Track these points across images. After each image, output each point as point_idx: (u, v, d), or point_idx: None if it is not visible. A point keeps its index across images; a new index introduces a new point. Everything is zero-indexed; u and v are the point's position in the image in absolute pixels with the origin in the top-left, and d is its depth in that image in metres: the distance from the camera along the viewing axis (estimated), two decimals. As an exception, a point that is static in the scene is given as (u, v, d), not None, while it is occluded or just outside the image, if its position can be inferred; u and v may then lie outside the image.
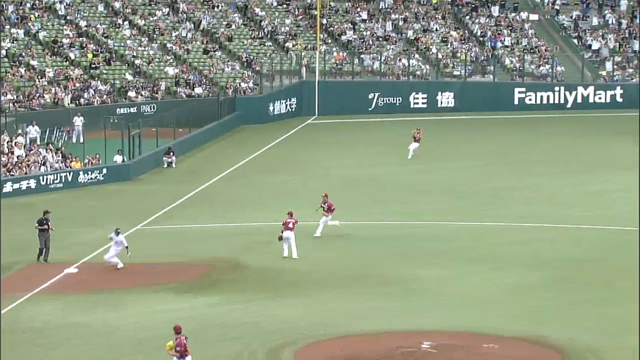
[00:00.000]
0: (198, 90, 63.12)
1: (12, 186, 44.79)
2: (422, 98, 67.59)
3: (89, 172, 47.37)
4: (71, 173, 46.90)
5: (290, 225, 32.96)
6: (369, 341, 25.41)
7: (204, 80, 64.34)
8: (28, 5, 64.55)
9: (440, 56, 70.23)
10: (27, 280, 31.00)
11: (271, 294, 29.56)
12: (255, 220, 36.26)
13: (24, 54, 60.15)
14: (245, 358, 24.09)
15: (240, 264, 32.74)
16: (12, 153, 47.30)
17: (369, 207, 41.52)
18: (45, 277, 31.09)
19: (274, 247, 33.66)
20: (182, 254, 34.27)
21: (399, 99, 67.24)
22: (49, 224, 33.07)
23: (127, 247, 32.04)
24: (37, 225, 32.86)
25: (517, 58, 71.15)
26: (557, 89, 68.52)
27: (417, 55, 70.65)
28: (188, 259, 33.67)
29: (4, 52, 59.47)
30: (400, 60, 69.90)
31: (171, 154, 51.69)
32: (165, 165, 51.36)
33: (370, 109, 66.59)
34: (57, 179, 46.33)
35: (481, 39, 73.42)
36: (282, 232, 33.01)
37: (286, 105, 65.53)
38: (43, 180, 45.82)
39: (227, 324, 26.80)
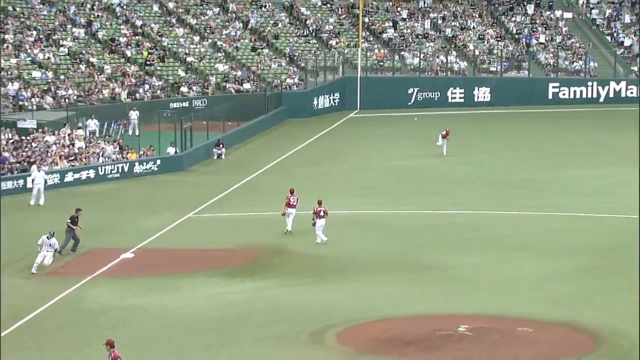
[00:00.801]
0: (246, 85, 63.26)
1: (72, 176, 45.23)
2: (460, 93, 67.19)
3: (144, 163, 47.68)
4: (127, 164, 47.25)
5: (322, 213, 32.98)
6: (408, 324, 25.33)
7: (252, 76, 64.46)
8: (88, 5, 65.05)
9: (477, 53, 69.71)
10: (87, 264, 31.29)
11: (315, 279, 29.56)
12: (300, 209, 36.20)
13: (84, 52, 60.67)
14: (290, 339, 24.11)
15: (285, 251, 32.78)
16: (73, 145, 47.77)
17: (408, 197, 41.35)
18: (103, 262, 31.34)
19: (316, 235, 33.70)
20: (231, 240, 34.38)
21: (437, 94, 66.90)
22: (78, 221, 32.78)
23: (56, 251, 30.39)
24: (68, 221, 32.75)
25: (551, 54, 70.44)
26: (590, 84, 67.77)
27: (454, 52, 70.22)
28: (236, 245, 33.78)
29: (66, 50, 60.02)
30: (438, 56, 69.53)
31: (221, 146, 51.88)
32: (215, 157, 51.56)
33: (409, 103, 66.32)
34: (114, 170, 46.71)
35: (516, 36, 72.78)
36: (313, 220, 33.07)
37: (329, 100, 65.44)
38: (101, 171, 46.21)
39: (273, 307, 26.84)
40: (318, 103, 64.46)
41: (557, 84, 67.63)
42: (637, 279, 28.33)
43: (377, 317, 25.84)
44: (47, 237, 29.91)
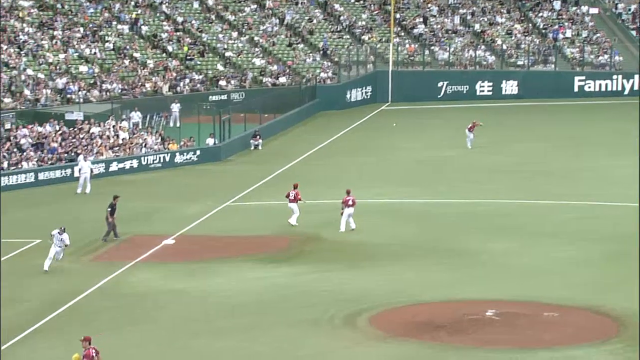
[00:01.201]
0: (282, 79, 63.23)
1: (117, 166, 45.50)
2: (488, 86, 66.68)
3: (185, 153, 47.84)
4: (168, 154, 47.43)
5: (350, 203, 32.87)
6: (439, 308, 25.21)
7: (288, 70, 64.43)
8: (132, 3, 65.33)
9: (505, 47, 69.16)
10: (131, 250, 31.46)
11: (348, 265, 29.49)
12: (333, 198, 36.16)
13: (128, 47, 60.95)
14: (324, 323, 24.08)
15: (319, 237, 32.74)
16: (118, 136, 48.05)
17: (439, 186, 41.14)
18: (146, 248, 31.50)
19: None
20: (267, 228, 34.40)
21: (466, 87, 66.44)
22: (115, 208, 32.63)
23: (66, 246, 28.86)
24: (108, 209, 32.89)
25: (577, 49, 69.68)
26: (615, 77, 66.95)
27: (483, 47, 69.69)
28: (272, 232, 33.80)
29: (111, 45, 60.34)
30: (467, 51, 69.05)
31: (258, 137, 51.93)
32: (252, 148, 51.61)
33: (439, 96, 65.95)
34: (156, 160, 46.91)
35: (543, 31, 72.09)
36: (342, 210, 32.97)
37: (362, 93, 65.26)
38: (144, 161, 46.43)
39: (307, 291, 26.83)
40: (351, 96, 64.29)
41: (583, 78, 66.88)
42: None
43: (408, 302, 25.74)
44: (59, 233, 28.70)
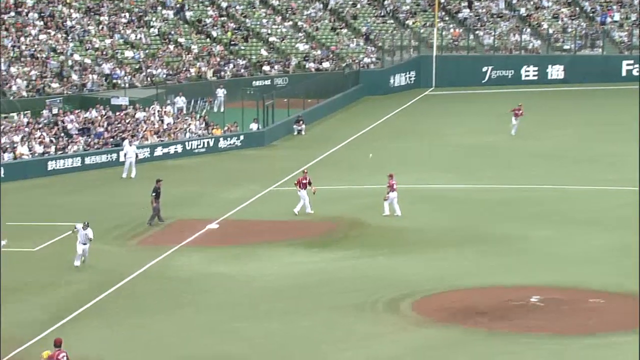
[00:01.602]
0: (325, 64, 63.23)
1: (161, 150, 45.97)
2: (533, 71, 66.05)
3: (228, 138, 48.16)
4: (212, 139, 47.78)
5: (395, 187, 32.90)
6: (481, 294, 25.21)
7: (331, 56, 64.41)
8: (176, -12, 65.68)
9: (551, 31, 68.42)
10: (175, 234, 31.84)
11: (391, 250, 29.57)
12: (376, 183, 36.23)
13: (173, 32, 61.39)
14: (367, 308, 24.22)
15: (362, 223, 32.84)
16: (162, 121, 48.50)
17: (482, 172, 40.98)
18: (190, 232, 31.86)
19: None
20: (310, 212, 34.54)
21: (511, 72, 65.85)
22: (159, 192, 33.01)
23: (90, 240, 27.92)
24: (152, 193, 33.22)
25: (625, 32, 68.68)
26: (664, 61, 65.91)
27: (529, 31, 69.01)
28: (315, 217, 33.96)
29: (156, 30, 60.83)
30: (513, 35, 68.43)
31: (301, 122, 52.06)
32: (296, 133, 51.76)
33: (483, 81, 65.47)
34: (200, 145, 47.30)
35: (591, 14, 71.16)
36: (387, 194, 32.98)
37: (405, 78, 65.04)
38: (188, 146, 46.84)
39: (350, 276, 26.97)
40: (394, 81, 64.11)
41: (632, 62, 65.90)
42: None
43: (450, 288, 25.77)
44: (82, 228, 27.80)
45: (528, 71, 65.99)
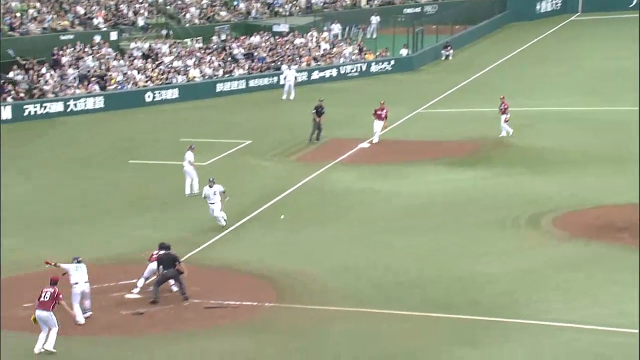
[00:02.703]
0: (473, -9, 61.38)
1: (318, 74, 46.22)
2: (682, -6, 61.83)
3: (380, 63, 47.86)
4: (365, 64, 47.62)
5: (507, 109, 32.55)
6: (621, 212, 24.29)
7: (479, -17, 62.38)
8: None
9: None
10: (330, 152, 32.16)
11: (532, 170, 28.87)
12: (520, 106, 35.26)
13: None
14: (509, 223, 23.85)
15: (505, 143, 32.17)
16: (319, 47, 48.65)
17: (624, 96, 39.09)
18: (343, 150, 32.10)
19: (534, 129, 32.82)
20: (456, 134, 34.11)
21: (660, -5, 61.94)
22: (322, 110, 33.20)
23: (224, 192, 23.98)
24: (313, 111, 33.34)
25: None
26: None
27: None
28: (460, 138, 33.50)
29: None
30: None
31: (449, 48, 51.07)
32: (443, 58, 50.86)
33: (631, 6, 61.89)
34: (353, 69, 47.25)
35: None
36: (506, 116, 32.35)
37: (552, 4, 62.38)
38: (342, 70, 46.90)
39: (493, 194, 26.57)
40: (541, 7, 61.63)
41: None
42: None
43: (590, 205, 25.00)
44: (209, 186, 23.91)
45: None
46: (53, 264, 18.32)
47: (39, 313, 16.37)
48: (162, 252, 19.40)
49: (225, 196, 23.84)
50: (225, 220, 23.88)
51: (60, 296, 16.55)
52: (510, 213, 24.55)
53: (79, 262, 18.35)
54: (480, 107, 38.24)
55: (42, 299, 16.44)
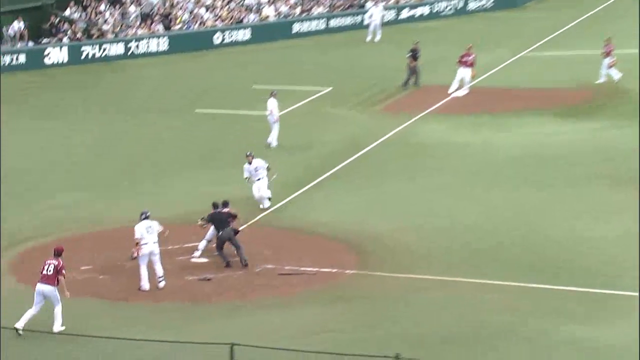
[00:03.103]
0: None
1: (408, 12, 45.78)
2: None
3: (479, 0, 47.07)
4: (462, 0, 46.88)
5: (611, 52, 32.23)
6: None
7: None
8: None
9: None
10: (421, 100, 31.89)
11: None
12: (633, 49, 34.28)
13: None
14: (618, 180, 23.34)
15: (622, 90, 31.37)
16: (409, -18, 48.06)
17: None
18: (436, 99, 31.79)
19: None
20: (565, 80, 33.41)
21: None
22: (418, 54, 32.95)
23: (268, 168, 22.49)
24: (409, 54, 33.08)
25: None
26: None
27: None
28: (571, 85, 32.80)
29: None
30: None
31: (558, -19, 49.84)
32: (552, -7, 49.73)
33: None
34: (448, 7, 46.62)
35: None
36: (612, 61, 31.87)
37: None
38: (436, 7, 46.35)
39: (603, 148, 26.02)
40: None
41: None
42: None
43: None
44: (248, 163, 22.33)
45: None
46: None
47: (42, 287, 15.91)
48: (214, 212, 19.04)
49: (272, 173, 22.49)
50: (270, 199, 22.31)
51: (64, 271, 16.06)
52: (617, 167, 24.11)
53: (146, 217, 17.88)
54: (590, 49, 37.30)
55: (45, 272, 15.98)
